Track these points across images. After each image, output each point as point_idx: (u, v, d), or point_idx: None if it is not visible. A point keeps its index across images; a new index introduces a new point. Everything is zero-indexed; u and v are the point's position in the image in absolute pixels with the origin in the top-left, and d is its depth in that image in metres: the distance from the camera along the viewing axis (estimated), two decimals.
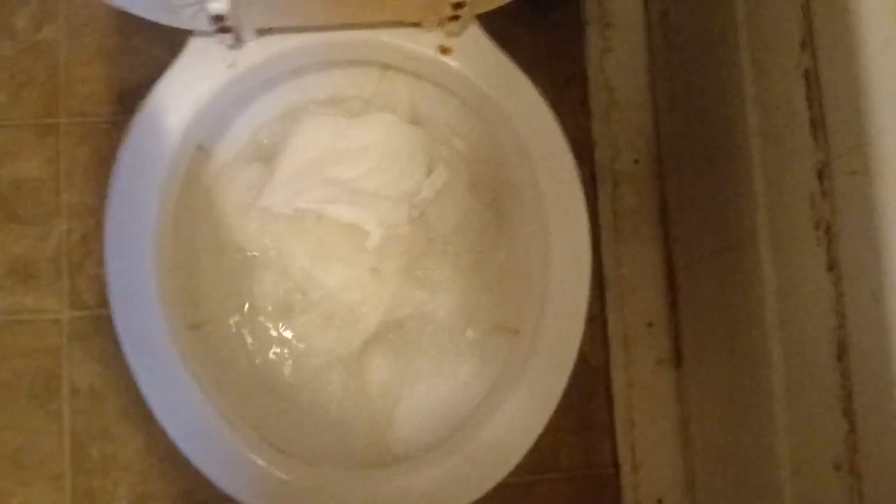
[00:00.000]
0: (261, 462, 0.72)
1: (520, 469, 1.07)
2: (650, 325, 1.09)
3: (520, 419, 0.74)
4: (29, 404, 1.01)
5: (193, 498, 1.02)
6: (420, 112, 0.88)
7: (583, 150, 1.10)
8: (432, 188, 0.86)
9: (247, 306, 0.84)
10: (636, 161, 1.11)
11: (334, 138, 0.84)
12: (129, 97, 1.06)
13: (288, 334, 0.84)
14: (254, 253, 0.85)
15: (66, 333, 1.02)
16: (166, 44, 1.05)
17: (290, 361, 0.83)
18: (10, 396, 1.00)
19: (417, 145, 0.85)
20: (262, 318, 0.84)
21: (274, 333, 0.84)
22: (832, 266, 0.71)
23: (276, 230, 0.84)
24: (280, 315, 0.84)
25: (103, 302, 0.73)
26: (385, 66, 0.86)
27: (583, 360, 1.10)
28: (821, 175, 0.72)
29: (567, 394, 1.08)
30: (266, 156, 0.86)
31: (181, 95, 0.76)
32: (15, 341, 1.01)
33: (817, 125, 0.72)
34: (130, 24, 1.07)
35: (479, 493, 0.73)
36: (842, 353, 0.71)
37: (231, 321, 0.83)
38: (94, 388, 1.01)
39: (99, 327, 1.02)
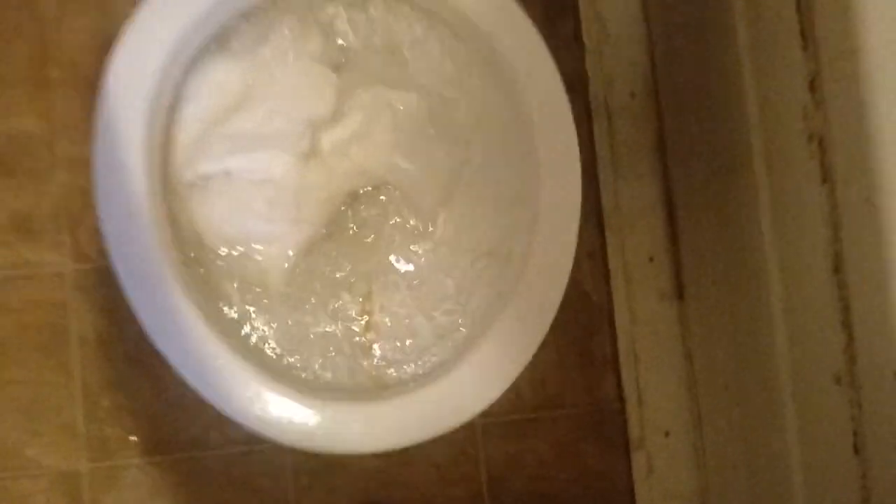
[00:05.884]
0: (263, 388, 0.73)
1: (525, 405, 1.09)
2: (651, 259, 1.09)
3: (510, 343, 0.74)
4: (38, 357, 1.01)
5: (205, 443, 1.04)
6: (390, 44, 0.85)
7: (577, 85, 1.09)
8: (347, 129, 0.81)
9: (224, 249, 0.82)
10: (632, 95, 1.10)
11: (227, 91, 0.80)
12: None
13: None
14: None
15: (70, 286, 1.02)
16: None
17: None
18: (18, 350, 1.01)
19: (324, 83, 0.81)
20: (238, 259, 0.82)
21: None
22: (826, 178, 0.71)
23: (193, 202, 0.79)
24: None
25: (105, 254, 0.73)
26: None
27: (585, 296, 1.12)
28: (812, 86, 0.71)
29: (570, 330, 1.10)
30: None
31: (156, 27, 0.74)
32: (19, 296, 1.02)
33: (807, 34, 0.71)
34: None
35: (467, 416, 0.74)
36: (838, 265, 0.70)
37: (218, 262, 0.81)
38: (101, 339, 1.02)
39: (102, 279, 1.02)
